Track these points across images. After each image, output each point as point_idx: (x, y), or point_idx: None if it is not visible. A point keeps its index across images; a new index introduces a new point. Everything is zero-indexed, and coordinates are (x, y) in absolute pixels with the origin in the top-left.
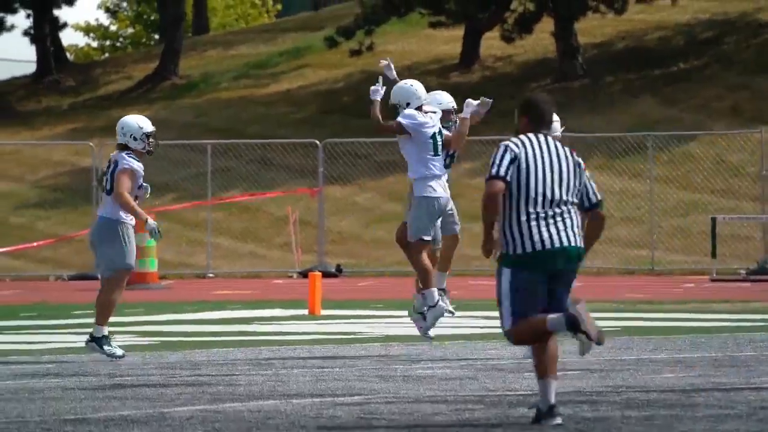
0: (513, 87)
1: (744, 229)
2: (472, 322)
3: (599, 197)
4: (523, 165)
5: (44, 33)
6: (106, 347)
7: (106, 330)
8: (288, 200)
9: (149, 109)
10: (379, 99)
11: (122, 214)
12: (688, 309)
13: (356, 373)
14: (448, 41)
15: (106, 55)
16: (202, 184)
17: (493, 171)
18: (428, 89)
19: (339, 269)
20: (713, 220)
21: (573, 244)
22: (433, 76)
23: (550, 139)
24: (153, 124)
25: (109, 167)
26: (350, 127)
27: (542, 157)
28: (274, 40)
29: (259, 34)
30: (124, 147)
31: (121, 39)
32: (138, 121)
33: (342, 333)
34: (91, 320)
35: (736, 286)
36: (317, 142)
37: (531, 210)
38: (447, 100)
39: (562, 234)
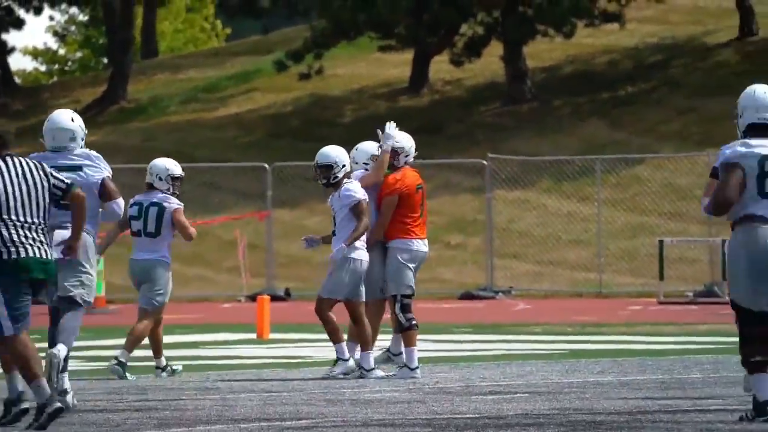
0: (462, 111)
1: (691, 252)
2: (419, 346)
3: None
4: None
5: None
6: (127, 374)
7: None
8: (236, 224)
9: (97, 133)
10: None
11: (168, 254)
12: (636, 331)
13: (304, 397)
14: (398, 65)
15: (55, 79)
16: None
17: None
18: (378, 114)
19: (288, 293)
20: (661, 242)
21: (44, 257)
22: (382, 99)
23: (17, 160)
24: (101, 149)
25: (142, 209)
26: (299, 151)
27: (11, 179)
28: (223, 63)
29: (208, 58)
30: (150, 186)
31: (69, 63)
32: (166, 164)
33: (290, 357)
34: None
35: (684, 309)
36: (266, 165)
37: (8, 226)
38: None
39: (36, 248)
